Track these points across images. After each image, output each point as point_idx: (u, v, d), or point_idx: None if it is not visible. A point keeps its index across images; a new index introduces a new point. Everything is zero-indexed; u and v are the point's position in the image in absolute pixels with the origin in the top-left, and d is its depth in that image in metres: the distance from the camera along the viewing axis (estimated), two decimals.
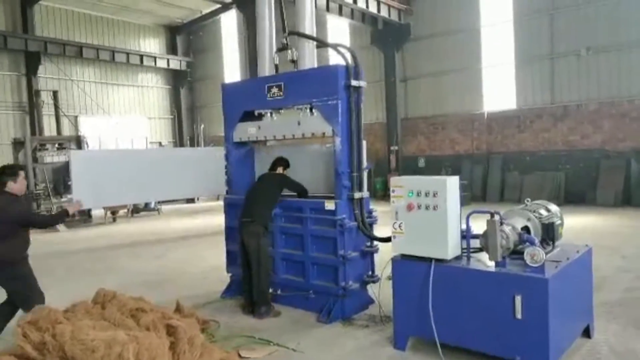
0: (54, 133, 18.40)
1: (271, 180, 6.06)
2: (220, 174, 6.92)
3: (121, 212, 16.78)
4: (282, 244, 6.09)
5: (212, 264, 8.73)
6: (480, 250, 4.52)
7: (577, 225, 11.18)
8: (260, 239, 5.68)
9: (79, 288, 7.25)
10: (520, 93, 16.18)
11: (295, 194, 6.06)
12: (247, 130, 6.49)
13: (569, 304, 4.18)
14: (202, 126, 23.28)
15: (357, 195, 5.60)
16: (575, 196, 14.67)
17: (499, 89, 16.63)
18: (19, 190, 4.95)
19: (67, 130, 19.54)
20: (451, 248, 4.32)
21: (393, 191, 4.59)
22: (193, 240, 11.56)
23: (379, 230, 5.88)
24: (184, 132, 25.02)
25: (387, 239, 5.38)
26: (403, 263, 4.57)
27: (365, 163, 5.73)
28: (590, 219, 11.78)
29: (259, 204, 5.83)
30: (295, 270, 5.98)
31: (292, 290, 5.98)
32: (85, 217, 15.39)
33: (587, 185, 14.58)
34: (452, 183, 4.36)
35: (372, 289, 5.90)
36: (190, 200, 20.84)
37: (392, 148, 17.87)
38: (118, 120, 22.82)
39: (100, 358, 3.74)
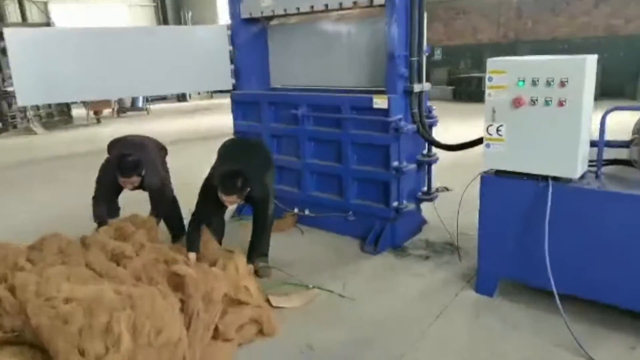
0: (19, 20, 16.07)
1: None
2: (222, 62, 5.33)
3: (105, 111, 15.16)
4: (311, 153, 4.72)
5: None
6: (611, 163, 3.21)
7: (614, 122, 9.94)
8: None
9: (51, 208, 5.97)
10: None
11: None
12: (260, 2, 4.81)
13: None
14: (190, 13, 20.75)
15: (416, 87, 4.14)
16: (613, 89, 13.18)
17: None
18: None
19: (35, 18, 17.16)
20: (581, 162, 2.99)
21: (490, 79, 3.14)
22: (189, 144, 10.14)
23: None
24: (169, 20, 22.46)
25: (462, 146, 4.04)
26: (498, 182, 3.26)
27: (425, 45, 4.20)
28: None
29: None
30: (330, 186, 4.68)
31: (324, 210, 4.74)
32: (65, 117, 13.81)
33: (627, 77, 13.03)
34: (591, 65, 2.91)
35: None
36: (182, 98, 19.12)
37: None
38: (93, 7, 20.20)
39: (78, 332, 2.52)
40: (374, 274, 3.93)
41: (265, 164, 4.04)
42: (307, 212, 4.90)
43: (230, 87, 5.26)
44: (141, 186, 4.12)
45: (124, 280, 3.02)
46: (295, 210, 4.97)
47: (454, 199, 4.46)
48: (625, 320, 3.01)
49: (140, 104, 16.03)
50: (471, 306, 3.38)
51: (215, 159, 4.13)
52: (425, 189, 4.61)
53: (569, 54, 3.14)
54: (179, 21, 22.07)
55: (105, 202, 4.16)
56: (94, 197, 4.17)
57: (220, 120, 13.52)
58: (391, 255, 4.26)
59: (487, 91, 3.17)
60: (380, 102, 4.08)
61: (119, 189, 4.22)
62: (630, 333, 2.94)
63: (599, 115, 3.03)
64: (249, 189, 3.60)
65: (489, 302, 3.40)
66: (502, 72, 3.09)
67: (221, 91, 6.02)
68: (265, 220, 3.92)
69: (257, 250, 3.89)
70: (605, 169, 3.15)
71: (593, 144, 3.07)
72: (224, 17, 21.29)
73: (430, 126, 4.40)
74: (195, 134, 11.42)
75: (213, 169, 3.94)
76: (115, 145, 4.38)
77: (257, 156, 4.05)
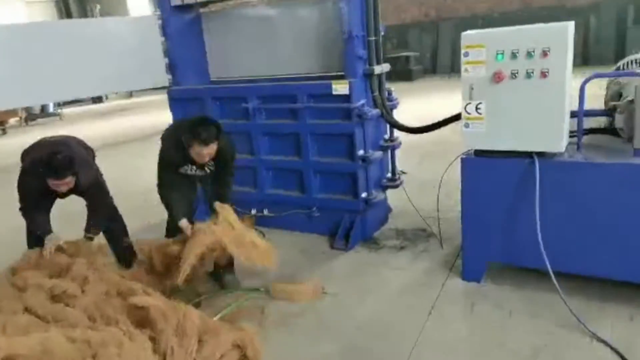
0: None
1: None
2: (153, 56, 4.77)
3: (12, 120, 13.71)
4: (266, 149, 4.34)
5: (150, 180, 6.80)
6: (589, 132, 3.14)
7: None
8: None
9: None
10: None
11: None
12: None
13: None
14: (98, 7, 19.22)
15: (377, 69, 3.88)
16: None
17: None
18: None
19: None
20: (565, 135, 2.87)
21: (466, 55, 2.93)
22: (114, 149, 9.35)
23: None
24: (73, 16, 20.70)
25: (429, 128, 3.85)
26: (480, 163, 3.08)
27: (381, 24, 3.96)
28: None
29: None
30: (289, 182, 4.34)
31: (285, 209, 4.39)
32: None
33: None
34: (571, 32, 2.77)
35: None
36: (97, 100, 17.76)
37: None
38: None
39: None
40: (351, 272, 3.66)
41: None
42: (265, 212, 4.53)
43: (167, 83, 4.73)
44: (74, 189, 3.43)
45: (76, 322, 2.52)
46: (253, 211, 4.57)
47: (413, 183, 4.29)
48: (622, 292, 2.95)
49: (51, 109, 14.66)
50: (462, 296, 3.20)
51: (159, 148, 3.52)
52: (389, 175, 4.39)
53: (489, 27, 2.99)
54: (85, 16, 20.41)
55: (41, 211, 3.43)
56: (23, 209, 3.42)
57: (143, 121, 12.67)
58: (364, 249, 4.02)
59: (463, 67, 2.96)
60: (340, 87, 3.78)
61: (50, 199, 3.49)
62: (628, 304, 2.89)
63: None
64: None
65: (479, 289, 3.24)
66: (479, 47, 2.89)
67: (154, 89, 5.42)
68: (233, 176, 3.58)
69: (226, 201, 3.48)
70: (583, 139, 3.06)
71: (572, 114, 2.96)
72: (134, 10, 19.95)
73: (392, 109, 4.17)
74: (118, 137, 10.58)
75: (163, 151, 3.44)
76: (32, 151, 3.59)
77: None
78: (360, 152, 3.91)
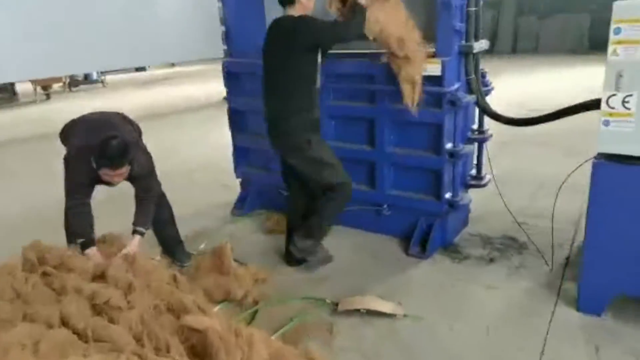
0: None
1: (285, 40, 3.06)
2: (207, 25, 4.23)
3: (55, 86, 13.57)
4: (332, 134, 3.77)
5: (198, 159, 6.39)
6: None
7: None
8: (306, 152, 3.18)
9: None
10: None
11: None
12: None
13: None
14: None
15: (476, 46, 3.23)
16: (601, 43, 12.64)
17: None
18: None
19: None
20: None
21: (617, 31, 2.27)
22: (157, 121, 8.94)
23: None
24: None
25: (540, 120, 3.22)
26: (621, 171, 2.44)
27: None
28: None
29: (281, 99, 3.16)
30: (358, 174, 3.74)
31: (351, 203, 3.82)
32: (7, 94, 12.21)
33: None
34: None
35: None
36: (140, 68, 17.49)
37: None
38: None
39: None
40: (434, 288, 3.10)
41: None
42: None
43: (222, 55, 4.20)
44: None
45: (121, 344, 2.06)
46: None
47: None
48: None
49: (94, 76, 14.45)
50: (579, 333, 2.59)
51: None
52: (474, 172, 3.77)
53: (553, 7, 2.35)
54: None
55: (86, 209, 2.93)
56: (70, 207, 2.91)
57: (189, 91, 12.26)
58: (445, 258, 3.44)
59: (610, 48, 2.30)
60: (430, 67, 3.16)
61: (93, 188, 3.03)
62: None
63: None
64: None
65: (600, 324, 2.63)
66: (636, 21, 2.21)
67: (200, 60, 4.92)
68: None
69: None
70: None
71: None
72: None
73: (486, 95, 3.52)
74: (164, 108, 10.18)
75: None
76: (74, 129, 3.08)
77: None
78: (449, 146, 3.30)
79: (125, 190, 3.16)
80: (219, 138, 6.61)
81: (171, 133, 7.91)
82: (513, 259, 3.35)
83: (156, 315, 2.25)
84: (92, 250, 2.82)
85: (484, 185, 3.72)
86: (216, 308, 2.91)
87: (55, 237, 2.96)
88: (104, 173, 2.76)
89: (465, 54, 3.24)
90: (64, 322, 2.22)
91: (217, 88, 9.74)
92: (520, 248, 3.49)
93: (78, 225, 2.89)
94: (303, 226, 3.32)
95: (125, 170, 2.80)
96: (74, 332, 2.14)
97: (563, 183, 2.94)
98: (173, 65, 18.00)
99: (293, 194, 3.50)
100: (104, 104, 10.50)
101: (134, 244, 2.93)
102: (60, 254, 2.64)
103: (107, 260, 2.67)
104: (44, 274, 2.57)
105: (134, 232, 2.99)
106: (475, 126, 3.64)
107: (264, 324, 2.79)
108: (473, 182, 3.71)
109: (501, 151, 4.95)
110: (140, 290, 2.39)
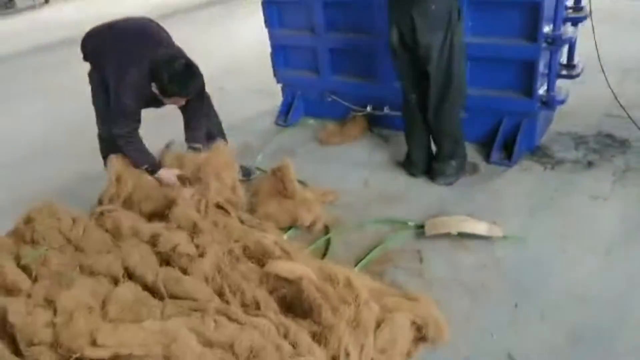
0: None
1: None
2: None
3: None
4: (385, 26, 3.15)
5: (225, 61, 5.77)
6: None
7: None
8: (448, 31, 2.56)
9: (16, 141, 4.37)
10: None
11: None
12: None
13: None
14: None
15: None
16: None
17: None
18: None
19: None
20: None
21: None
22: (170, 19, 8.16)
23: None
24: None
25: None
26: None
27: None
28: None
29: None
30: None
31: None
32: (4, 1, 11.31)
33: None
34: None
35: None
36: None
37: None
38: None
39: None
40: (528, 201, 2.69)
41: None
42: (386, 110, 3.50)
43: None
44: None
45: (204, 304, 1.73)
46: (368, 109, 3.56)
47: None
48: None
49: None
50: None
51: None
52: (564, 60, 3.18)
53: None
54: None
55: (139, 136, 2.63)
56: (122, 135, 2.55)
57: None
58: (534, 164, 2.99)
59: None
60: None
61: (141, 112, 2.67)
62: None
63: None
64: None
65: None
66: None
67: None
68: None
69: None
70: None
71: None
72: None
73: None
74: (172, 6, 9.27)
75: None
76: (105, 45, 2.61)
77: None
78: (547, 29, 2.70)
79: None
80: (248, 35, 5.93)
81: (198, 29, 7.19)
82: (616, 161, 2.89)
83: (233, 262, 1.91)
84: (166, 172, 2.60)
85: (577, 76, 3.15)
86: (285, 236, 2.59)
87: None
88: (173, 100, 2.51)
89: None
90: (129, 274, 1.91)
91: None
92: (621, 146, 3.02)
93: (139, 155, 2.61)
94: (439, 149, 2.89)
95: None
96: (144, 288, 1.82)
97: None
98: None
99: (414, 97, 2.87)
100: (109, 6, 9.60)
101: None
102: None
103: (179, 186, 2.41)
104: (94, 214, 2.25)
105: (190, 148, 2.66)
106: (570, 2, 2.99)
107: (341, 254, 2.48)
108: (566, 73, 3.13)
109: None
110: (208, 232, 2.04)
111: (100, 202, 2.50)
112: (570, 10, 2.98)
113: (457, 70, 2.64)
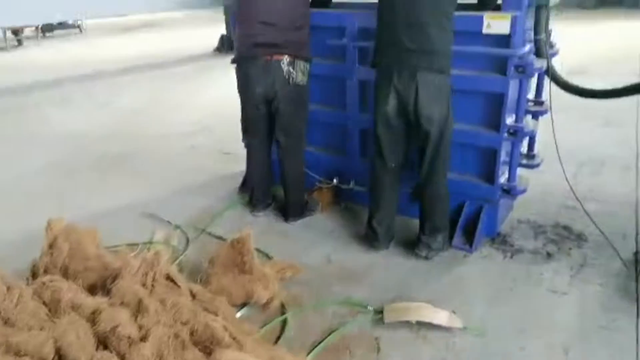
0: None
1: None
2: None
3: (27, 31, 12.48)
4: (357, 103, 3.21)
5: (194, 117, 5.78)
6: None
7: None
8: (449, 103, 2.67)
9: None
10: None
11: None
12: None
13: None
14: None
15: None
16: None
17: None
18: None
19: None
20: None
21: None
22: (146, 72, 8.18)
23: None
24: None
25: (621, 92, 2.72)
26: None
27: None
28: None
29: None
30: None
31: None
32: None
33: None
34: None
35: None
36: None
37: None
38: None
39: None
40: (489, 290, 2.64)
41: None
42: (352, 184, 3.49)
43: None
44: None
45: None
46: (334, 181, 3.55)
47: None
48: None
49: (70, 21, 13.34)
50: None
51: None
52: (525, 150, 3.28)
53: None
54: None
55: None
56: None
57: (176, 39, 11.34)
58: (494, 251, 2.99)
59: None
60: (496, 23, 2.58)
61: None
62: None
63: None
64: None
65: None
66: None
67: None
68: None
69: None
70: None
71: None
72: None
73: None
74: (152, 58, 9.30)
75: None
76: None
77: None
78: (509, 121, 2.79)
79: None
80: (215, 96, 6.01)
81: (169, 85, 7.19)
82: (573, 254, 2.91)
83: (178, 348, 1.76)
84: None
85: (537, 166, 3.24)
86: (238, 314, 2.45)
87: None
88: None
89: (537, 7, 2.66)
90: (60, 357, 1.73)
91: (206, 37, 8.95)
92: (578, 240, 3.05)
93: None
94: (425, 222, 2.87)
95: None
96: None
97: None
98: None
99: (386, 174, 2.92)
100: (84, 52, 9.59)
101: None
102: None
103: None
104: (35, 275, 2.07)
105: None
106: (531, 95, 3.13)
107: (297, 337, 2.35)
108: (526, 163, 3.22)
109: None
110: (154, 311, 1.89)
111: (33, 274, 2.31)
112: (532, 104, 3.12)
113: (449, 141, 2.70)
